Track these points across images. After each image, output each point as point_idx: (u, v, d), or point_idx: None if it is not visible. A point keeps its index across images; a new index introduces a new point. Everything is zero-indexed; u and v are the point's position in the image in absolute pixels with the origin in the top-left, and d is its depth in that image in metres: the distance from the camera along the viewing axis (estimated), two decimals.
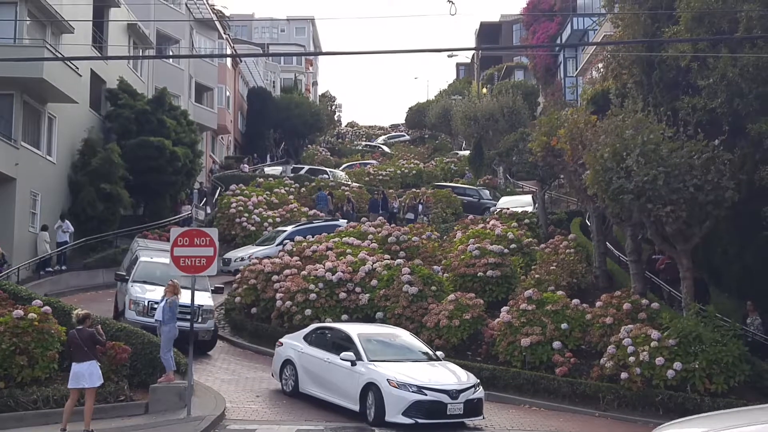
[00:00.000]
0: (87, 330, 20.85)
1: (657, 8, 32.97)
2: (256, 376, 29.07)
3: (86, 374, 20.45)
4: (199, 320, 30.67)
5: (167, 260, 32.67)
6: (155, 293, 30.37)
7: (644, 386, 26.71)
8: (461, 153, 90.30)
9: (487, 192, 63.89)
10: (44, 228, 43.47)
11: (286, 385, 26.46)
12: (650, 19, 33.30)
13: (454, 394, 22.71)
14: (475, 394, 23.27)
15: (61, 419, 20.94)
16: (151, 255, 34.79)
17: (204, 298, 32.01)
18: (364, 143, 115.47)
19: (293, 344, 26.79)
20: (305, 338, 26.70)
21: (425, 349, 25.75)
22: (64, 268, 44.49)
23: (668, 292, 33.20)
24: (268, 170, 76.59)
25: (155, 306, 27.89)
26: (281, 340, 27.93)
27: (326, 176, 71.69)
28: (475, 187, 65.15)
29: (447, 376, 23.65)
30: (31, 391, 22.55)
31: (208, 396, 24.95)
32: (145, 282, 32.52)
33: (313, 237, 42.63)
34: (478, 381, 24.13)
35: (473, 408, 23.09)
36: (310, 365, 25.65)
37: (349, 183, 68.34)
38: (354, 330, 25.67)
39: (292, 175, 70.14)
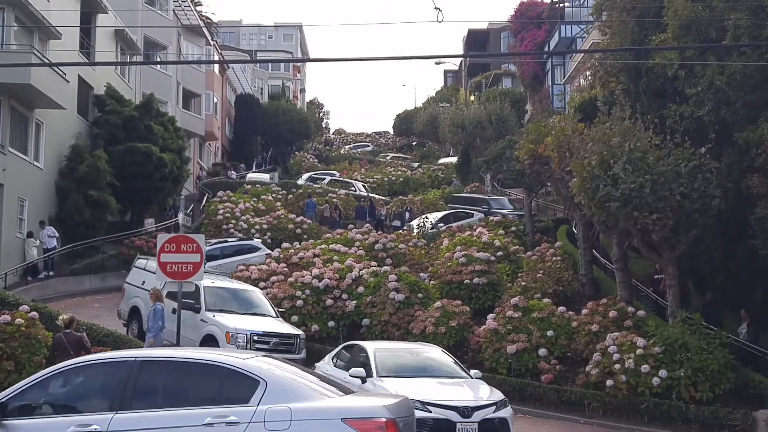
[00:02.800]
0: (74, 334, 20.88)
1: (645, 16, 33.08)
2: None
3: None
4: (296, 350, 28.87)
5: (231, 283, 32.83)
6: (249, 322, 28.76)
7: (629, 393, 26.76)
8: (445, 160, 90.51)
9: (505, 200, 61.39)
10: (30, 234, 43.41)
11: None
12: (638, 27, 33.41)
13: (465, 411, 19.42)
14: (497, 412, 19.93)
15: None
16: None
17: (281, 325, 30.21)
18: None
19: (322, 366, 24.12)
20: (332, 359, 24.36)
21: (455, 366, 22.76)
22: (51, 273, 44.39)
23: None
24: (252, 176, 76.18)
25: (257, 338, 27.52)
26: (317, 364, 24.92)
27: (354, 188, 70.52)
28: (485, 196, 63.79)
29: (463, 392, 20.80)
30: None
31: None
32: (221, 311, 29.36)
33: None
34: (504, 399, 20.67)
35: (492, 429, 19.78)
36: None
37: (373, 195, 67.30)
38: (372, 346, 23.29)
39: (309, 183, 69.63)
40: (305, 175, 78.35)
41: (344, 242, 41.17)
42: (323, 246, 40.79)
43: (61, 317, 22.17)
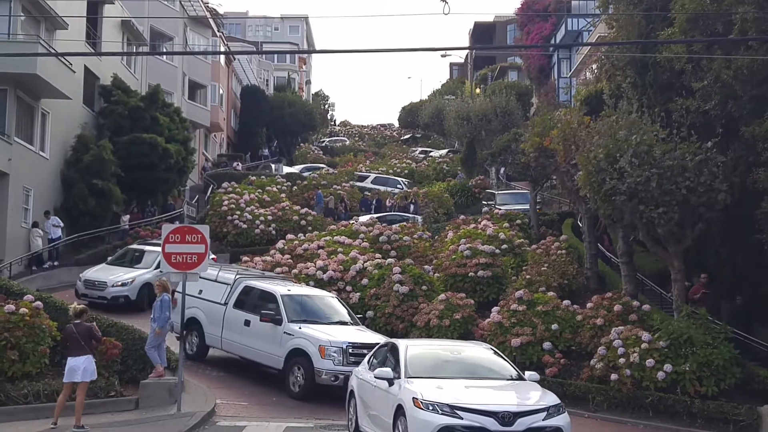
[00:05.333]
0: (84, 324, 20.87)
1: (651, 10, 32.97)
2: (246, 374, 29.02)
3: (82, 368, 20.45)
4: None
5: (307, 289, 31.10)
6: (339, 332, 26.51)
7: (634, 388, 26.70)
8: (438, 152, 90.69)
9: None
10: (35, 224, 43.43)
11: (351, 423, 21.31)
12: (645, 21, 33.30)
13: (506, 418, 16.81)
14: (549, 420, 17.27)
15: (51, 414, 20.97)
16: (275, 286, 29.08)
17: (371, 334, 27.74)
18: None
19: (358, 371, 21.81)
20: (368, 361, 21.62)
21: (505, 366, 20.13)
22: (56, 263, 44.41)
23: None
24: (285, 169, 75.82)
25: (353, 351, 24.92)
26: (353, 369, 22.85)
27: (400, 186, 68.99)
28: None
29: (506, 395, 18.14)
30: (22, 386, 22.57)
31: (198, 393, 24.96)
32: (304, 321, 27.01)
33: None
34: (559, 403, 17.99)
35: None
36: (365, 394, 20.53)
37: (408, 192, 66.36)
38: (406, 343, 20.68)
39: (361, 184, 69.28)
40: (298, 167, 78.44)
41: (349, 234, 41.15)
42: (328, 238, 40.77)
43: (72, 307, 22.17)
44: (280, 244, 41.28)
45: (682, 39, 29.36)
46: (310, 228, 50.57)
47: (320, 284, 34.05)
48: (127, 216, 51.26)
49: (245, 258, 39.71)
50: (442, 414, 16.91)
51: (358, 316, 31.19)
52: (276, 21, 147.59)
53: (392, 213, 55.44)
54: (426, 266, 37.07)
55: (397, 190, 65.41)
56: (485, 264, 35.00)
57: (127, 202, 52.89)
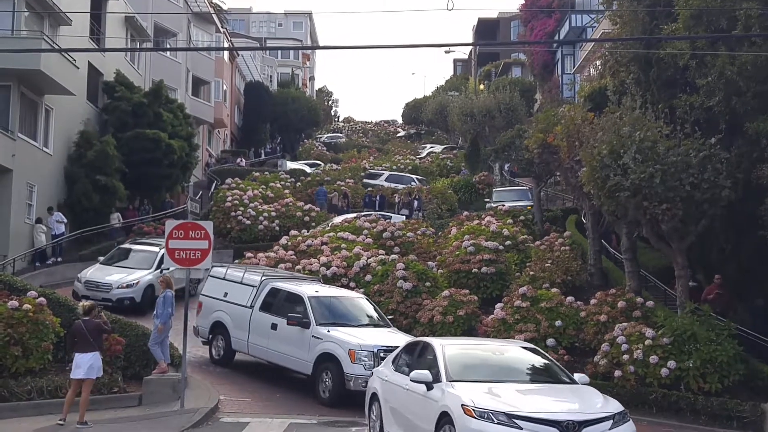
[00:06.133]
0: (93, 321, 20.93)
1: (655, 5, 32.91)
2: (250, 371, 29.03)
3: (88, 365, 20.49)
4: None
5: (335, 290, 30.33)
6: (369, 335, 25.47)
7: (638, 384, 26.67)
8: (431, 148, 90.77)
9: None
10: (38, 220, 43.45)
11: (372, 429, 19.98)
12: (648, 17, 33.25)
13: (570, 427, 15.26)
14: (615, 429, 15.78)
15: (54, 410, 21.03)
16: (302, 287, 28.27)
17: (402, 336, 26.41)
18: None
19: (380, 371, 20.29)
20: (393, 361, 20.00)
21: (553, 368, 18.68)
22: (59, 259, 44.44)
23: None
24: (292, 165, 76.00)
25: (384, 355, 23.07)
26: (372, 369, 22.22)
27: (414, 183, 67.74)
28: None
29: (566, 402, 16.55)
30: (25, 382, 22.64)
31: (201, 389, 24.96)
32: (333, 324, 26.04)
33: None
34: (623, 410, 16.48)
35: None
36: (392, 397, 18.94)
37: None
38: (441, 342, 18.77)
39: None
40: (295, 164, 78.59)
41: (352, 230, 41.14)
42: (331, 234, 40.77)
43: (81, 304, 22.25)
44: (283, 240, 41.31)
45: (686, 35, 29.32)
46: (313, 224, 50.62)
47: (324, 280, 33.91)
48: (117, 214, 50.68)
49: (249, 254, 39.69)
50: (498, 424, 15.17)
51: None
52: (280, 17, 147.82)
53: (367, 212, 54.78)
54: (429, 262, 37.02)
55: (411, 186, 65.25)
56: (489, 260, 34.98)
57: (130, 198, 52.95)
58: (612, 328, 28.50)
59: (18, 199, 41.83)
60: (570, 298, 31.17)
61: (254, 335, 27.87)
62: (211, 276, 30.86)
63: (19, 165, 41.27)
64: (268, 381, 27.55)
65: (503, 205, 49.45)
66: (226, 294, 29.46)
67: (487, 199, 57.97)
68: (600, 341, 28.46)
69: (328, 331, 25.30)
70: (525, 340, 28.72)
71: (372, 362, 23.59)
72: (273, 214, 52.86)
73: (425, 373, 17.02)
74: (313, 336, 25.52)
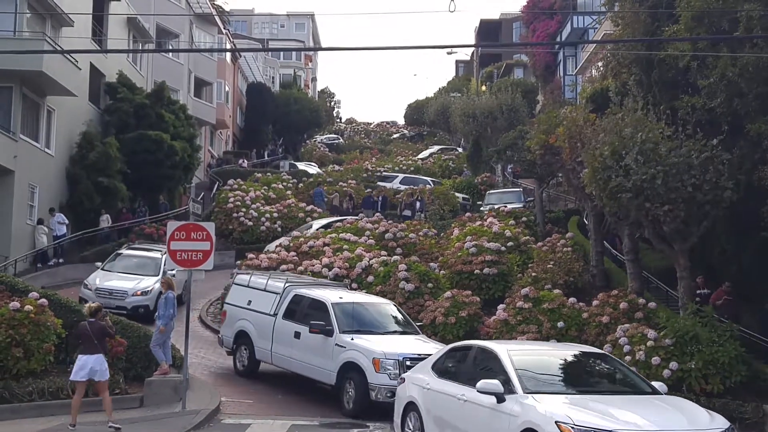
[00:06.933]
0: (98, 323, 20.88)
1: (657, 7, 32.92)
2: (251, 372, 28.99)
3: (93, 367, 20.44)
4: None
5: (361, 296, 29.68)
6: (395, 343, 24.47)
7: None
8: (430, 150, 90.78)
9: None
10: (40, 221, 43.48)
11: None
12: (650, 18, 33.26)
13: None
14: None
15: (56, 412, 21.12)
16: (325, 293, 27.26)
17: (432, 344, 25.38)
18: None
19: (417, 378, 18.73)
20: (434, 367, 18.52)
21: (631, 376, 17.20)
22: (61, 261, 44.45)
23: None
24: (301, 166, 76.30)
25: (410, 364, 22.05)
26: (403, 375, 20.46)
27: (430, 185, 66.94)
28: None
29: (670, 418, 14.57)
30: (27, 383, 22.60)
31: (203, 390, 24.94)
32: (357, 332, 25.01)
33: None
34: (732, 426, 15.10)
35: None
36: (437, 407, 17.43)
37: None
38: (502, 347, 17.19)
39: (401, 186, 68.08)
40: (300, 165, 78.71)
41: (354, 231, 41.12)
42: (333, 235, 40.75)
43: (87, 306, 22.22)
44: (285, 241, 41.27)
45: (688, 37, 29.31)
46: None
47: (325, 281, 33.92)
48: (107, 215, 50.09)
49: (251, 255, 39.63)
50: None
51: None
52: (282, 18, 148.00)
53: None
54: (432, 263, 37.01)
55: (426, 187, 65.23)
56: (491, 261, 34.96)
57: (132, 199, 52.92)
58: (614, 329, 28.47)
59: (19, 200, 41.85)
60: (572, 300, 31.16)
61: (277, 344, 26.89)
62: (235, 284, 30.17)
63: (21, 166, 41.30)
64: (270, 383, 27.52)
65: (494, 207, 49.46)
66: (249, 302, 28.55)
67: (480, 202, 58.04)
68: (602, 342, 28.40)
69: (352, 339, 24.34)
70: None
71: (398, 371, 22.52)
72: (275, 215, 52.99)
73: (495, 383, 15.34)
74: (336, 344, 24.56)
